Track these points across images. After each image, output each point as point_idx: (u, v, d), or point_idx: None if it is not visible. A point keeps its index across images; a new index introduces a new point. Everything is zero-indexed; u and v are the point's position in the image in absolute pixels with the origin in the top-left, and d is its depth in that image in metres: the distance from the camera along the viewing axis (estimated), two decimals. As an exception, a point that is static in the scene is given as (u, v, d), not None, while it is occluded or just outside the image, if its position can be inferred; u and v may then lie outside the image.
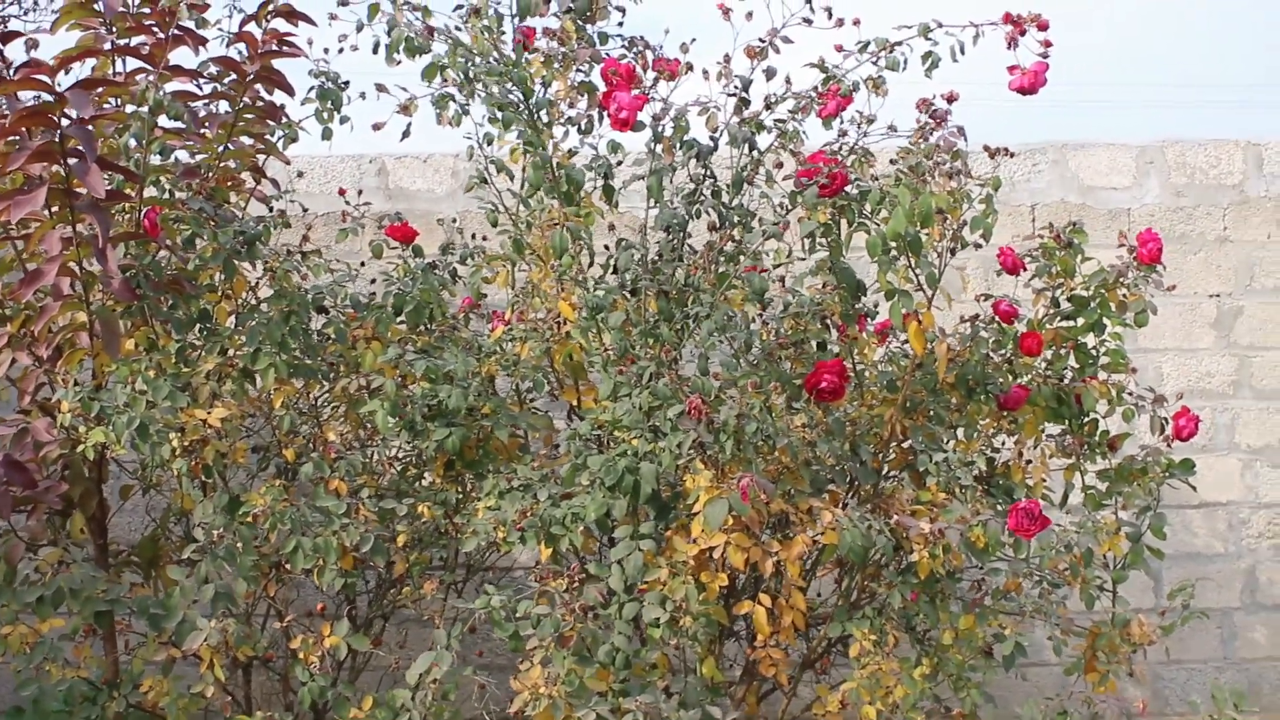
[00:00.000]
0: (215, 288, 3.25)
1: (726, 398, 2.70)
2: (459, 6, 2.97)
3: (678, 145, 2.84)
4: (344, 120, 3.41)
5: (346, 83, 3.42)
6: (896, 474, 3.26)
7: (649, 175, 2.80)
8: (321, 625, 2.99)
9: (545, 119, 2.89)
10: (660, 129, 2.80)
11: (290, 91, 3.51)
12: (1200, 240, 4.65)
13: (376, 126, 3.01)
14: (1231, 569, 4.63)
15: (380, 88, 3.04)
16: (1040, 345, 3.11)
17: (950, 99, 2.96)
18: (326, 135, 3.42)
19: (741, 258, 2.77)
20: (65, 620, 3.04)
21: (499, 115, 2.82)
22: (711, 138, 2.89)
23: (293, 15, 3.49)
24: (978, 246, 2.91)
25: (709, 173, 2.93)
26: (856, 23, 3.00)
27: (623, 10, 3.15)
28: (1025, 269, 3.24)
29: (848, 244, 2.96)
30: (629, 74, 2.77)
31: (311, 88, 3.40)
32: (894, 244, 2.79)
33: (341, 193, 3.55)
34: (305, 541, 2.96)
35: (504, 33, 3.02)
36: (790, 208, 2.85)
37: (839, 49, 3.00)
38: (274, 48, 3.44)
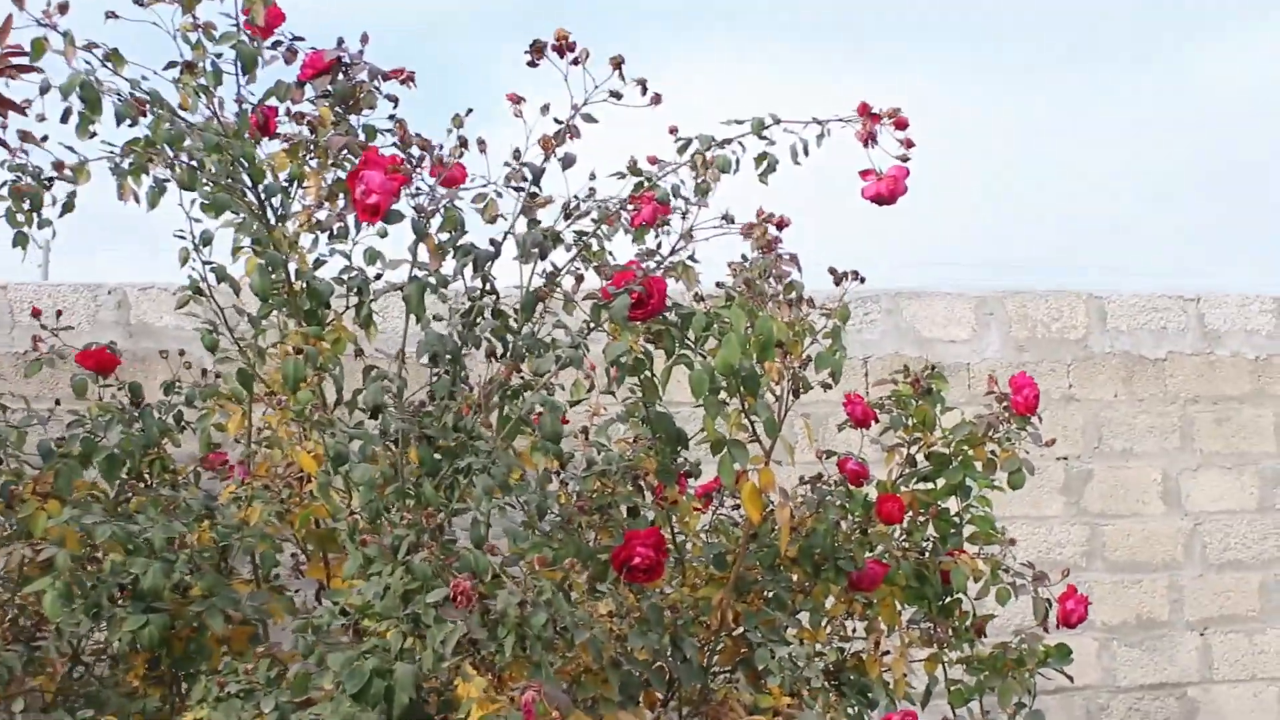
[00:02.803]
0: None
1: (508, 579, 2.05)
2: (171, 64, 2.32)
3: (451, 248, 2.22)
4: (44, 224, 2.74)
5: (50, 180, 2.75)
6: (728, 672, 2.64)
7: (408, 284, 2.17)
8: None
9: (279, 209, 2.25)
10: (422, 225, 2.18)
11: (-22, 187, 2.83)
12: (1045, 399, 4.17)
13: None
14: (1093, 763, 4.14)
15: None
16: (902, 511, 2.58)
17: (781, 225, 2.46)
18: (20, 242, 2.74)
19: (528, 394, 2.14)
20: None
21: (212, 200, 2.16)
22: (492, 241, 2.27)
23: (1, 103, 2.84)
24: (826, 387, 2.36)
25: (490, 287, 2.31)
26: (673, 131, 2.48)
27: (394, 100, 2.55)
28: (876, 420, 2.73)
29: (665, 383, 2.37)
30: (391, 161, 2.16)
31: (4, 182, 2.72)
32: (724, 382, 2.22)
33: (36, 313, 2.81)
34: (-73, 778, 2.17)
35: (240, 113, 2.39)
36: (592, 327, 2.23)
37: (653, 160, 2.46)
38: (-48, 131, 2.77)
